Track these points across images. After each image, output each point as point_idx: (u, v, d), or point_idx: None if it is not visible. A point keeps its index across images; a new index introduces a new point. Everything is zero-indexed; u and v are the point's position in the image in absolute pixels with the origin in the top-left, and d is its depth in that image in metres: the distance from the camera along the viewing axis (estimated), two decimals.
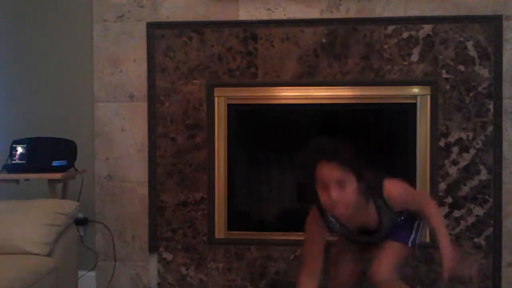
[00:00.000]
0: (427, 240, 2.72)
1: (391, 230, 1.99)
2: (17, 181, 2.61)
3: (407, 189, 1.94)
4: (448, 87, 2.70)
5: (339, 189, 1.72)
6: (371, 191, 1.86)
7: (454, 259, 1.81)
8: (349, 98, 2.78)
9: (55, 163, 2.62)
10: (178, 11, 2.83)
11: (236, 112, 2.87)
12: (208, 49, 2.81)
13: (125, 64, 2.87)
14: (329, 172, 1.71)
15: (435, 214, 1.93)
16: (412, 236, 2.01)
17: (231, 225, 2.88)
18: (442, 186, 2.72)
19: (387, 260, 1.97)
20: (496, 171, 2.69)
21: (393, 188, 1.87)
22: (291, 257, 2.80)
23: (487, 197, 2.70)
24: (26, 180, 2.61)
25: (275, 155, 2.99)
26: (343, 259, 2.16)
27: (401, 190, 1.89)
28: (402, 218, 1.97)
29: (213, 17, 2.81)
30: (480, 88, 2.68)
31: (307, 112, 2.88)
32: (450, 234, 2.71)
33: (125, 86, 2.87)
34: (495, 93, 2.68)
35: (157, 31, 2.82)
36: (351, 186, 1.74)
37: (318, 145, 1.80)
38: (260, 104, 2.86)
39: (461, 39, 2.68)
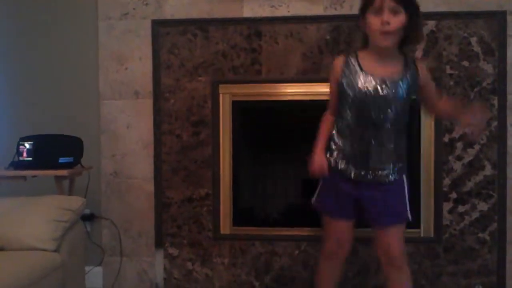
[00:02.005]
0: (432, 235, 2.74)
1: (391, 202, 2.08)
2: (24, 177, 2.63)
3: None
4: (452, 83, 2.70)
5: (392, 16, 1.89)
6: (408, 45, 2.02)
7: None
8: None
9: (61, 160, 2.65)
10: (183, 9, 2.84)
11: (241, 108, 2.88)
12: (212, 46, 2.82)
13: (130, 62, 2.89)
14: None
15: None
16: (408, 207, 2.12)
17: (236, 220, 2.89)
18: (447, 181, 2.72)
19: (397, 238, 2.09)
20: (500, 166, 2.69)
21: (423, 66, 2.07)
22: (296, 252, 2.81)
23: (491, 192, 2.70)
24: (33, 176, 2.64)
25: (279, 151, 3.00)
26: (336, 222, 2.16)
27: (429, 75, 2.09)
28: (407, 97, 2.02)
29: (218, 15, 2.82)
30: (484, 84, 2.68)
31: (311, 109, 2.88)
32: (454, 230, 2.72)
33: (130, 83, 2.89)
34: (499, 89, 2.68)
35: (162, 28, 2.84)
36: (402, 18, 1.90)
37: None
38: (265, 101, 2.86)
39: (465, 34, 2.68)
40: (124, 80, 2.89)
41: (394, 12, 1.89)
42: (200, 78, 2.83)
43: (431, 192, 2.74)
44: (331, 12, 2.76)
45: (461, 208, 2.72)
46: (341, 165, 2.09)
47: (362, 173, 2.06)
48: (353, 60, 2.04)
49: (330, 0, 2.76)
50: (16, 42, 3.04)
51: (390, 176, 2.06)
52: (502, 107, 2.68)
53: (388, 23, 1.89)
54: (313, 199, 2.23)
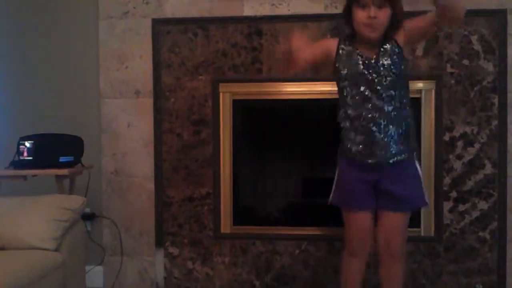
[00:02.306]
0: (432, 234, 2.74)
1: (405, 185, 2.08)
2: (24, 177, 2.63)
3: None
4: (452, 81, 2.70)
5: (378, 10, 1.95)
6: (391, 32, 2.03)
7: None
8: None
9: (62, 159, 2.64)
10: (183, 8, 2.84)
11: (241, 107, 2.88)
12: (213, 45, 2.82)
13: (131, 61, 2.88)
14: None
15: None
16: (424, 192, 2.14)
17: (237, 219, 2.89)
18: (447, 180, 2.72)
19: (400, 229, 2.10)
20: (500, 165, 2.69)
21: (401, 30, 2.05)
22: (296, 251, 2.81)
23: (491, 191, 2.70)
24: (34, 176, 2.64)
25: (280, 150, 3.01)
26: (355, 213, 2.14)
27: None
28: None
29: (218, 13, 2.81)
30: (484, 82, 2.68)
31: (312, 108, 2.89)
32: (455, 229, 2.72)
33: (131, 82, 2.89)
34: (500, 87, 2.67)
35: (162, 27, 2.84)
36: (387, 12, 1.97)
37: None
38: (265, 100, 2.86)
39: (466, 33, 2.68)
40: (125, 79, 2.89)
41: (380, 7, 1.95)
42: (200, 77, 2.83)
43: (432, 191, 2.73)
44: (331, 10, 2.75)
45: (461, 207, 2.72)
46: (352, 148, 2.08)
47: (369, 152, 2.05)
48: (345, 42, 2.10)
49: None
50: (16, 41, 3.04)
51: (403, 155, 2.05)
52: (503, 106, 2.68)
53: (375, 17, 1.95)
54: (330, 198, 2.20)
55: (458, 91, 2.69)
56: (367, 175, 2.08)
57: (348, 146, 2.09)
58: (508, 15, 2.66)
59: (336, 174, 2.19)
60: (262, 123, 2.95)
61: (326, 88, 2.75)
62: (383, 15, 1.96)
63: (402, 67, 2.04)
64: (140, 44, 2.87)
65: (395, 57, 2.02)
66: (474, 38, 2.68)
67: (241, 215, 2.92)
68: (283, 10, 2.79)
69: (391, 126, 2.02)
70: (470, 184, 2.71)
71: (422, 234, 2.75)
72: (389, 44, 2.03)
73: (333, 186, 2.20)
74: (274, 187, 3.10)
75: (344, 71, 2.06)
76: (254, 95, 2.85)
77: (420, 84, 2.73)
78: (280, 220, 3.00)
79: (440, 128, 2.71)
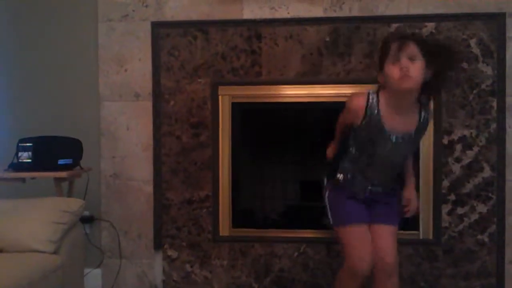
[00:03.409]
0: (431, 237, 2.74)
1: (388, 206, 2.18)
2: (23, 179, 2.62)
3: None
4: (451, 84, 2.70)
5: (411, 63, 1.90)
6: (426, 95, 2.04)
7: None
8: None
9: (61, 162, 2.64)
10: (183, 11, 2.84)
11: (241, 110, 2.88)
12: (212, 48, 2.82)
13: (130, 63, 2.89)
14: (409, 46, 1.91)
15: None
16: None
17: (236, 222, 2.89)
18: (446, 183, 2.72)
19: (394, 244, 2.13)
20: (499, 168, 2.69)
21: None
22: (295, 254, 2.81)
23: (490, 194, 2.70)
24: (32, 178, 2.63)
25: (279, 153, 3.01)
26: (357, 232, 2.14)
27: None
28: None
29: (217, 16, 2.82)
30: (483, 86, 2.69)
31: (311, 111, 2.89)
32: (453, 232, 2.72)
33: (130, 85, 2.89)
34: (499, 91, 2.68)
35: (162, 30, 2.84)
36: (420, 65, 1.92)
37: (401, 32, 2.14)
38: (264, 103, 2.86)
39: (464, 36, 2.69)
40: (124, 81, 2.89)
41: (412, 59, 1.91)
42: (200, 80, 2.83)
43: (430, 194, 2.74)
44: (330, 14, 2.76)
45: (460, 210, 2.72)
46: (349, 186, 2.17)
47: (368, 190, 2.16)
48: (374, 104, 2.02)
49: (330, 2, 2.76)
50: (16, 44, 3.04)
51: (390, 188, 2.21)
52: (501, 109, 2.68)
53: (407, 68, 1.90)
54: (331, 222, 2.22)
55: (457, 94, 2.70)
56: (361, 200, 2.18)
57: (342, 184, 2.17)
58: (507, 19, 2.66)
59: (327, 200, 2.23)
60: (261, 126, 2.95)
61: (325, 91, 2.76)
62: (416, 67, 1.91)
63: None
64: (140, 47, 2.88)
65: (421, 131, 2.10)
66: (472, 42, 2.68)
67: (240, 218, 2.91)
68: (282, 14, 2.79)
69: (389, 179, 2.18)
70: (469, 187, 2.72)
71: (421, 237, 2.75)
72: (424, 118, 2.05)
73: (328, 211, 2.23)
74: (273, 190, 3.10)
75: (366, 136, 2.07)
76: (253, 98, 2.86)
77: None
78: (279, 223, 3.00)
79: (439, 131, 2.72)
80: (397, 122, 2.02)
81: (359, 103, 2.03)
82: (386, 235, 2.11)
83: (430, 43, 2.00)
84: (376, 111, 2.01)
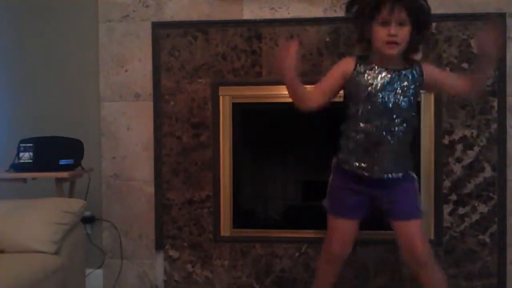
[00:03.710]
0: (432, 237, 2.74)
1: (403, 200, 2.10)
2: (24, 180, 2.63)
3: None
4: None
5: (399, 28, 1.92)
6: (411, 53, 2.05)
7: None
8: None
9: (62, 162, 2.64)
10: (183, 11, 2.84)
11: (241, 110, 2.88)
12: (212, 49, 2.82)
13: (130, 64, 2.89)
14: (398, 10, 1.90)
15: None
16: (420, 205, 2.16)
17: (237, 222, 2.89)
18: (446, 183, 2.72)
19: (417, 236, 2.08)
20: (500, 168, 2.69)
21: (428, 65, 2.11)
22: (296, 254, 2.81)
23: (491, 194, 2.70)
24: (33, 179, 2.64)
25: (279, 153, 3.01)
26: (340, 220, 2.16)
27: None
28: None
29: (218, 17, 2.82)
30: (484, 86, 2.68)
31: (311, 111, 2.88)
32: (455, 232, 2.72)
33: (131, 85, 2.89)
34: (499, 91, 2.68)
35: (162, 30, 2.84)
36: (407, 29, 1.94)
37: None
38: (265, 103, 2.86)
39: (465, 36, 2.68)
40: (125, 82, 2.90)
41: (401, 24, 1.93)
42: (200, 80, 2.83)
43: (431, 194, 2.74)
44: (330, 14, 2.76)
45: (461, 210, 2.72)
46: (350, 161, 2.10)
47: (370, 167, 2.06)
48: (360, 65, 2.05)
49: (330, 2, 2.76)
50: (16, 44, 3.05)
51: (400, 173, 2.09)
52: (502, 109, 2.68)
53: (396, 35, 1.93)
54: (324, 200, 2.23)
55: None
56: (360, 186, 2.10)
57: (348, 159, 2.11)
58: (507, 19, 2.66)
59: (330, 180, 2.21)
60: (262, 126, 2.95)
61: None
62: (404, 33, 1.94)
63: (418, 92, 2.09)
64: (140, 47, 2.88)
65: (413, 82, 2.03)
66: (473, 42, 2.68)
67: (241, 218, 2.91)
68: (282, 14, 2.79)
69: (396, 146, 2.05)
70: (470, 187, 2.71)
71: None
72: (411, 69, 2.04)
73: (327, 190, 2.23)
74: (274, 190, 3.10)
75: (361, 92, 2.03)
76: (253, 98, 2.86)
77: None
78: (280, 223, 3.00)
79: (439, 131, 2.71)
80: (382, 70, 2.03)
81: (349, 61, 2.08)
82: (407, 231, 2.09)
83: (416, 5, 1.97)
84: (364, 64, 2.04)
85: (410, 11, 1.92)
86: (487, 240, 2.71)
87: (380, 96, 2.01)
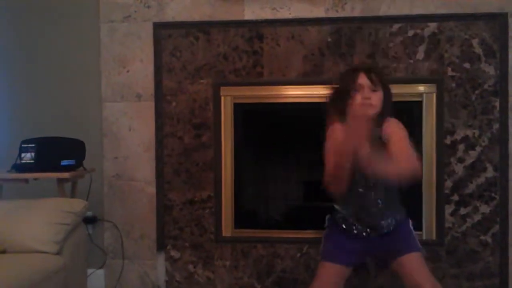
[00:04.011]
0: (434, 237, 2.73)
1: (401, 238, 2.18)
2: (26, 180, 2.63)
3: (404, 135, 2.14)
4: (453, 84, 2.70)
5: (373, 92, 2.10)
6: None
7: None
8: None
9: (63, 163, 2.64)
10: (184, 11, 2.85)
11: (242, 111, 2.88)
12: (214, 49, 2.82)
13: (132, 64, 2.89)
14: (369, 77, 2.10)
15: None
16: (417, 242, 2.21)
17: (238, 223, 2.89)
18: (448, 184, 2.72)
19: (421, 268, 2.10)
20: (502, 168, 2.69)
21: (392, 122, 2.16)
22: (298, 255, 2.81)
23: (493, 194, 2.70)
24: (35, 179, 2.64)
25: (281, 154, 3.01)
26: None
27: (398, 129, 2.15)
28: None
29: (219, 17, 2.82)
30: (486, 86, 2.68)
31: (313, 111, 2.88)
32: (457, 232, 2.72)
33: (132, 85, 2.90)
34: (501, 91, 2.67)
35: (163, 31, 2.84)
36: (380, 94, 2.12)
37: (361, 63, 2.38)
38: (266, 103, 2.86)
39: (467, 36, 2.68)
40: (126, 82, 2.90)
41: (374, 90, 2.10)
42: (201, 81, 2.83)
43: (433, 194, 2.73)
44: (332, 14, 2.76)
45: (463, 211, 2.72)
46: (343, 224, 2.22)
47: (362, 229, 2.18)
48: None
49: (332, 2, 2.76)
50: (18, 45, 3.05)
51: (391, 227, 2.19)
52: (504, 109, 2.68)
53: (369, 98, 2.08)
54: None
55: (459, 94, 2.69)
56: (358, 245, 2.20)
57: (341, 222, 2.23)
58: (509, 18, 2.66)
59: (324, 233, 2.32)
60: (263, 127, 2.95)
61: (326, 92, 2.75)
62: (377, 97, 2.10)
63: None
64: (142, 47, 2.88)
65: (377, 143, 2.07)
66: (475, 42, 2.68)
67: (242, 219, 2.91)
68: (284, 14, 2.79)
69: (380, 212, 2.16)
70: (471, 187, 2.71)
71: (424, 237, 2.74)
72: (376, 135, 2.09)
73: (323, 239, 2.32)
74: (275, 190, 3.10)
75: None
76: (255, 98, 2.86)
77: (421, 88, 2.74)
78: (281, 224, 3.00)
79: (441, 131, 2.71)
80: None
81: (336, 128, 2.16)
82: (409, 265, 2.09)
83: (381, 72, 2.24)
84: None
85: (379, 76, 2.14)
86: (489, 240, 2.70)
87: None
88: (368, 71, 2.12)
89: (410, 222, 2.25)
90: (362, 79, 2.10)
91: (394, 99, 2.75)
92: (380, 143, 2.09)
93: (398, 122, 2.17)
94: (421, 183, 2.74)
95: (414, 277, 2.05)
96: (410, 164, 2.00)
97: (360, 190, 2.15)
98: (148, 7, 2.87)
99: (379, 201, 2.15)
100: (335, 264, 2.18)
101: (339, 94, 2.16)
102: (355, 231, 2.19)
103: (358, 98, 2.08)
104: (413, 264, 2.09)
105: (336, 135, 2.12)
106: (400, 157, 2.01)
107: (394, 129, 2.13)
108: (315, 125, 2.90)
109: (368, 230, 2.18)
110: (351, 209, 2.19)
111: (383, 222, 2.17)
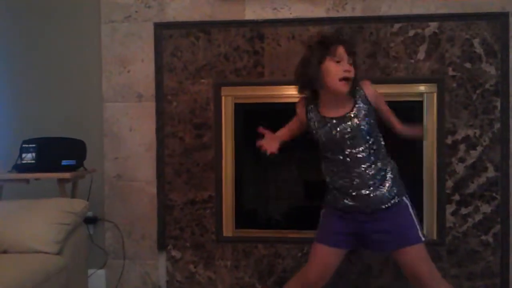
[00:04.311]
0: (435, 237, 2.73)
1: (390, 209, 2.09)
2: (27, 180, 2.64)
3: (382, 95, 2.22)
4: (454, 84, 2.69)
5: (350, 65, 2.06)
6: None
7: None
8: None
9: (64, 163, 2.65)
10: (185, 11, 2.85)
11: (243, 111, 2.88)
12: (215, 49, 2.82)
13: (133, 64, 2.89)
14: (349, 50, 2.07)
15: None
16: (419, 229, 2.12)
17: (239, 223, 2.89)
18: (449, 183, 2.71)
19: (415, 262, 2.08)
20: (503, 168, 2.68)
21: (369, 85, 2.15)
22: (299, 254, 2.81)
23: (494, 194, 2.69)
24: (36, 179, 2.64)
25: (282, 154, 3.00)
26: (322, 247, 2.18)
27: (376, 90, 2.18)
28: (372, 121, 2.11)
29: (220, 17, 2.82)
30: (487, 86, 2.68)
31: None
32: (458, 232, 2.71)
33: (133, 86, 2.90)
34: (502, 90, 2.67)
35: (164, 31, 2.84)
36: (355, 66, 2.09)
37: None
38: (267, 103, 2.87)
39: (467, 36, 2.68)
40: (127, 82, 2.90)
41: (351, 62, 2.07)
42: (202, 81, 2.83)
43: (434, 194, 2.73)
44: (333, 14, 2.76)
45: (464, 210, 2.72)
46: (333, 199, 2.18)
47: (352, 202, 2.10)
48: (311, 107, 2.18)
49: (332, 2, 2.76)
50: (19, 45, 3.05)
51: (385, 202, 2.08)
52: (505, 109, 2.67)
53: (350, 71, 2.04)
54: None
55: (460, 94, 2.69)
56: (352, 224, 2.13)
57: (333, 200, 2.17)
58: (510, 18, 2.66)
59: (321, 213, 2.27)
60: (264, 127, 2.94)
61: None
62: (354, 69, 2.07)
63: (372, 121, 2.11)
64: (142, 48, 2.88)
65: (364, 113, 2.08)
66: (476, 41, 2.67)
67: (243, 219, 2.92)
68: (285, 14, 2.79)
69: (371, 182, 2.07)
70: (472, 187, 2.71)
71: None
72: (359, 102, 2.09)
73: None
74: (276, 190, 3.10)
75: (320, 138, 2.15)
76: (256, 98, 2.86)
77: (422, 88, 2.74)
78: (283, 224, 3.00)
79: (442, 131, 2.71)
80: (331, 113, 2.12)
81: (300, 104, 2.24)
82: (404, 256, 2.09)
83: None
84: (314, 110, 2.17)
85: (354, 49, 2.16)
86: (490, 240, 2.70)
87: (335, 143, 2.11)
88: (345, 43, 2.09)
89: (409, 204, 2.12)
90: (341, 51, 2.04)
91: (395, 99, 2.79)
92: (368, 104, 2.10)
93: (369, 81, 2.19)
94: (422, 182, 2.74)
95: (415, 270, 2.07)
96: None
97: (340, 157, 2.10)
98: (149, 7, 2.87)
99: (362, 167, 2.07)
100: (327, 247, 2.15)
101: (311, 66, 2.07)
102: (345, 206, 2.11)
103: (339, 70, 2.03)
104: (413, 257, 2.07)
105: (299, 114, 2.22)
106: (393, 117, 2.19)
107: (376, 91, 2.15)
108: None
109: (358, 204, 2.08)
110: (337, 181, 2.12)
111: (373, 193, 2.06)
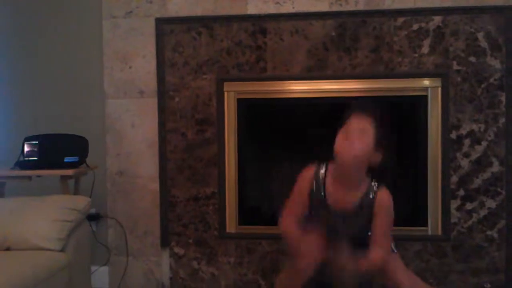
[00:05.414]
0: (439, 233, 2.72)
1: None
2: (29, 177, 2.63)
3: (392, 220, 1.91)
4: (459, 78, 2.67)
5: (359, 137, 1.78)
6: (372, 175, 1.88)
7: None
8: (359, 91, 2.76)
9: (67, 160, 2.64)
10: (187, 6, 2.83)
11: (246, 106, 2.87)
12: (217, 44, 2.81)
13: (134, 60, 2.88)
14: (360, 121, 1.80)
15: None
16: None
17: (242, 219, 2.88)
18: (454, 178, 2.70)
19: (404, 268, 1.99)
20: (508, 163, 2.66)
21: (387, 196, 1.87)
22: None
23: (499, 189, 2.68)
24: (38, 176, 2.63)
25: (285, 149, 2.99)
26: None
27: (390, 208, 1.88)
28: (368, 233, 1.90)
29: (222, 12, 2.80)
30: (491, 80, 2.66)
31: (316, 106, 2.87)
32: (462, 227, 2.70)
33: (135, 82, 2.88)
34: (507, 84, 2.65)
35: (166, 26, 2.83)
36: (368, 141, 1.78)
37: (363, 104, 1.95)
38: (270, 98, 2.85)
39: (472, 30, 2.66)
40: (129, 78, 2.88)
41: (362, 134, 1.79)
42: (205, 76, 2.82)
43: (439, 189, 2.72)
44: (336, 8, 2.74)
45: (469, 206, 2.70)
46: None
47: None
48: (320, 179, 1.93)
49: None
50: (20, 41, 3.04)
51: None
52: (510, 103, 2.65)
53: (353, 142, 1.79)
54: None
55: (465, 88, 2.67)
56: None
57: None
58: None
59: None
60: (267, 122, 2.94)
61: (331, 86, 2.75)
62: (364, 142, 1.80)
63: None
64: (144, 43, 2.86)
65: (364, 215, 1.87)
66: (480, 35, 2.65)
67: (246, 215, 2.91)
68: (287, 8, 2.77)
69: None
70: (477, 182, 2.69)
71: (429, 233, 2.74)
72: (366, 199, 1.87)
73: None
74: (279, 186, 3.08)
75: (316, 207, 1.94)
76: (258, 93, 2.84)
77: (426, 82, 2.72)
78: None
79: (446, 126, 2.69)
80: (340, 195, 1.88)
81: (306, 174, 1.96)
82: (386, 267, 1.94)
83: (386, 125, 1.84)
84: (321, 182, 1.91)
85: (374, 126, 1.81)
86: (495, 235, 2.69)
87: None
88: (366, 114, 1.82)
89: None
90: (355, 122, 1.81)
91: (399, 93, 2.77)
92: (367, 208, 1.87)
93: (390, 196, 1.89)
94: (427, 178, 2.73)
95: (392, 278, 1.93)
96: (382, 256, 1.85)
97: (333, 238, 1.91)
98: (150, 2, 2.85)
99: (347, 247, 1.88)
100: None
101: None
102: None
103: (342, 139, 1.81)
104: (389, 266, 1.92)
105: (303, 185, 1.95)
106: (380, 242, 1.86)
107: (387, 209, 1.87)
108: (319, 120, 2.90)
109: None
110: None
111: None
